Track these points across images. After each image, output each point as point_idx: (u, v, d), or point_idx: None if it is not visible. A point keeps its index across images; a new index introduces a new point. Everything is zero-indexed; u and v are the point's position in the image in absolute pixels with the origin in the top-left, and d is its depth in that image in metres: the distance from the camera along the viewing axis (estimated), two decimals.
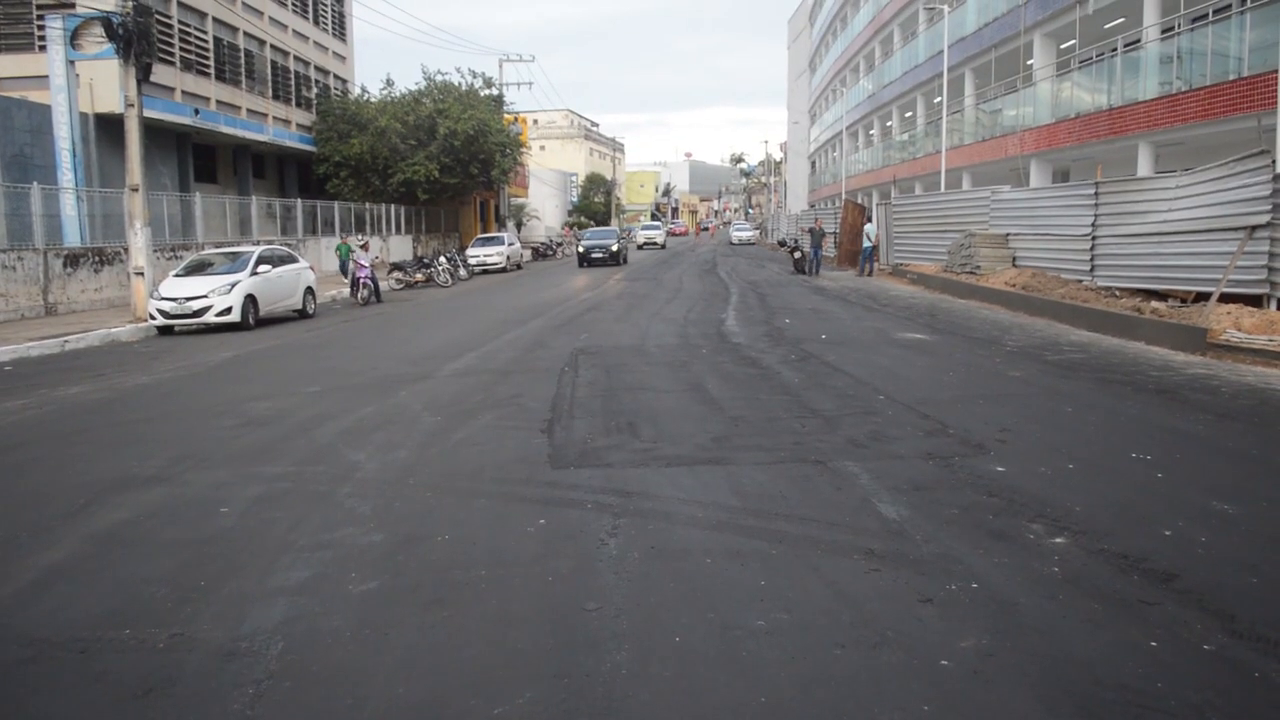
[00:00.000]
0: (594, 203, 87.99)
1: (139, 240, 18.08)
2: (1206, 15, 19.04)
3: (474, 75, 44.33)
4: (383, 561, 4.85)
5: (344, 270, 29.70)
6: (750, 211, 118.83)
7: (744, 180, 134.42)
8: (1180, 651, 3.66)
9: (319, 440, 7.67)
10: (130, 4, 17.55)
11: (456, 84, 42.43)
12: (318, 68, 39.82)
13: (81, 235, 21.41)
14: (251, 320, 17.36)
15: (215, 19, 30.93)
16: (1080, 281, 17.94)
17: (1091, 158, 24.13)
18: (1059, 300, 16.47)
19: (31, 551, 5.18)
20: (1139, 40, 21.52)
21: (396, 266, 30.01)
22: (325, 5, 40.89)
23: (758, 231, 76.16)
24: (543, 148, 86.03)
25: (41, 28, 23.53)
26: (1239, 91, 17.12)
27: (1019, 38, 27.60)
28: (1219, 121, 17.80)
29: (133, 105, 17.73)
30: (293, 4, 37.41)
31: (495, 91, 44.67)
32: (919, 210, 29.65)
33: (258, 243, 25.44)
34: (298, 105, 37.58)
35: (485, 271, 35.49)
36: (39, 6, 25.19)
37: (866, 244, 28.94)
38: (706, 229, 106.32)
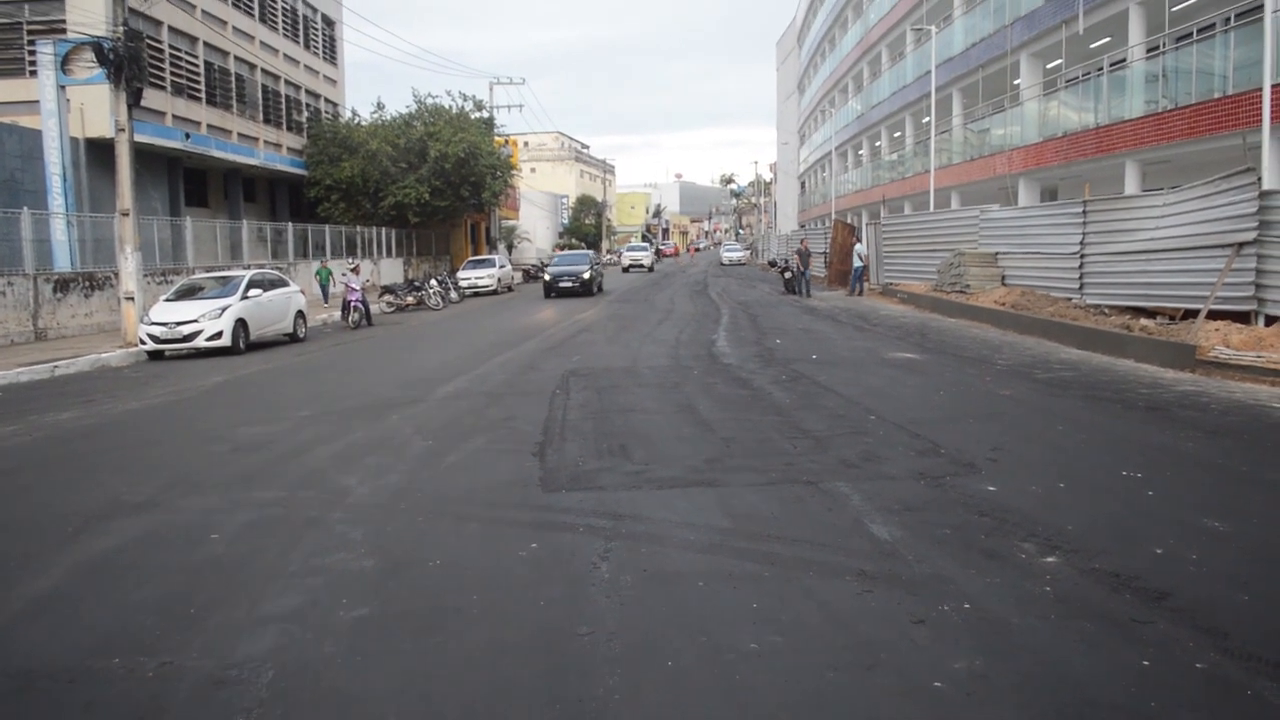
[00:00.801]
0: (585, 224, 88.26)
1: (129, 265, 18.07)
2: (1191, 34, 19.25)
3: (464, 98, 44.26)
4: (374, 587, 4.82)
5: (325, 295, 29.70)
6: (740, 232, 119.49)
7: (734, 201, 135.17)
8: (1173, 670, 3.66)
9: (310, 465, 7.65)
10: (121, 29, 17.64)
11: (447, 107, 42.69)
12: (309, 91, 39.97)
13: (72, 260, 21.39)
14: (242, 344, 17.33)
15: (206, 43, 31.08)
16: (1069, 299, 18.01)
17: (1079, 176, 24.30)
18: (1048, 318, 16.53)
19: (20, 580, 5.14)
20: (1125, 60, 21.72)
21: (388, 289, 30.03)
22: (316, 29, 41.10)
23: (748, 252, 76.58)
24: (533, 170, 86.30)
25: (32, 53, 23.57)
26: (1224, 109, 17.29)
27: (1006, 58, 27.87)
28: (1205, 139, 17.96)
29: (123, 130, 17.78)
30: (284, 28, 37.61)
31: (486, 114, 44.87)
32: (908, 230, 29.76)
33: (248, 266, 25.48)
34: (289, 129, 37.69)
35: (477, 294, 35.49)
36: (30, 31, 25.31)
37: (857, 264, 29.05)
38: (699, 249, 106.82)
